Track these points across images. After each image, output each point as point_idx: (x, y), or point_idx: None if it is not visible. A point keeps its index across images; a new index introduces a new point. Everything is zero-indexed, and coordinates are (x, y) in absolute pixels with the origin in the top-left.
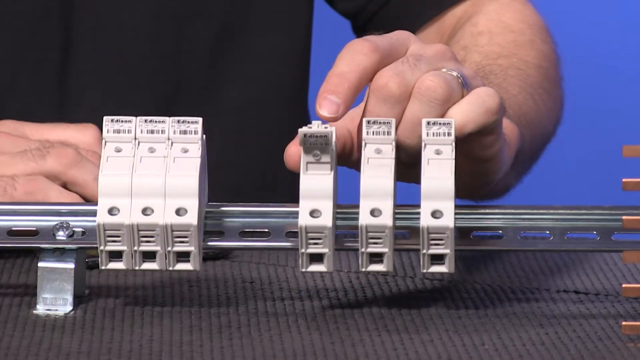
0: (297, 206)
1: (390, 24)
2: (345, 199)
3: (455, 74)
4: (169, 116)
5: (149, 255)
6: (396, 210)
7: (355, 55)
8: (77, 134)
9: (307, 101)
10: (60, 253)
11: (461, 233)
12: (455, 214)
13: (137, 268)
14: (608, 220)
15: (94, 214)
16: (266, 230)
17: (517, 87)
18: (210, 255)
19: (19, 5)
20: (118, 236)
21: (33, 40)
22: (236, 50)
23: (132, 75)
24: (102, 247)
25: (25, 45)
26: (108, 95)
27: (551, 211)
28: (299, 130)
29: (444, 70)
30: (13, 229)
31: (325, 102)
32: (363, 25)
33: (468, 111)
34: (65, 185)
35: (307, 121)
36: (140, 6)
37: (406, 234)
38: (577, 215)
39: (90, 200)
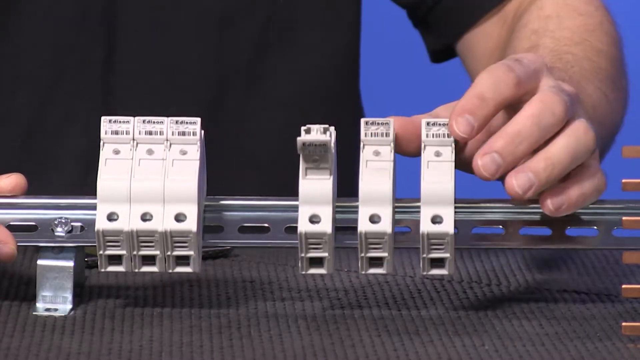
0: (297, 200)
1: (449, 15)
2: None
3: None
4: (213, 114)
5: (149, 258)
6: (396, 204)
7: (499, 83)
8: None
9: (359, 95)
10: (59, 250)
11: (461, 228)
12: (456, 207)
13: (136, 271)
14: (610, 214)
15: (93, 207)
16: (266, 225)
17: (591, 86)
18: (210, 254)
19: (62, 5)
20: (117, 241)
21: (76, 41)
22: (280, 46)
23: (176, 74)
24: (101, 252)
25: (68, 46)
26: (152, 94)
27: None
28: (297, 139)
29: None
30: (11, 223)
31: (462, 120)
32: (423, 16)
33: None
34: None
35: (358, 115)
36: (183, 5)
37: (406, 229)
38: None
39: None
